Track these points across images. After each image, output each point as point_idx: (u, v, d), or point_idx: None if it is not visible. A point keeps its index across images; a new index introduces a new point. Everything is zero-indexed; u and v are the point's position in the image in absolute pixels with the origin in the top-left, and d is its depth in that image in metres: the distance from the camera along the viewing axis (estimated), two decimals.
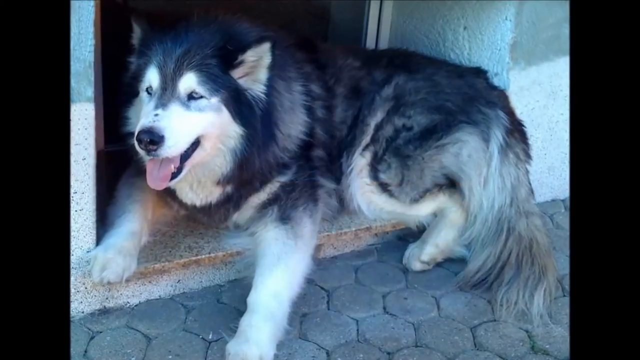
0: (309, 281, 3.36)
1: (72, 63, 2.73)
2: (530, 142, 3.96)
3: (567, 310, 3.40)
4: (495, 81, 4.11)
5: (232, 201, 3.34)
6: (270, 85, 3.10)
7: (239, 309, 3.21)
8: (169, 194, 3.33)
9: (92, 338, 3.05)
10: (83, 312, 3.16)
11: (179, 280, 3.40)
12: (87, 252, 3.05)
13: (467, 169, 3.64)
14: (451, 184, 3.70)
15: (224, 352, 2.91)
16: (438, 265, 3.77)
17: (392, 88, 3.78)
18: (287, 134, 3.29)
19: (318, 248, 3.64)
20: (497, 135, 3.69)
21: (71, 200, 2.91)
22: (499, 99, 3.93)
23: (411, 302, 3.47)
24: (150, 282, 3.31)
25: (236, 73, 3.01)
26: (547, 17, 4.14)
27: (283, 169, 3.35)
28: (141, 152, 2.87)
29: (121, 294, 3.25)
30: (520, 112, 4.11)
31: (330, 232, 3.69)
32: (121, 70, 3.24)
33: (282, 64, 3.25)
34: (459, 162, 3.65)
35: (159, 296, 3.36)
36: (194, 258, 3.32)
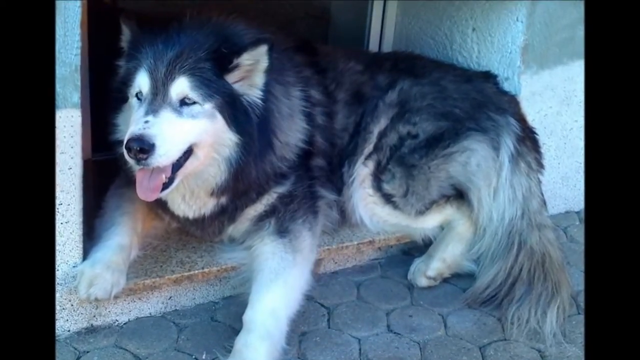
0: (309, 298, 3.36)
1: (57, 67, 2.73)
2: (542, 150, 3.96)
3: (582, 329, 3.40)
4: (506, 86, 4.12)
5: (227, 213, 3.34)
6: (267, 91, 3.10)
7: (234, 328, 3.20)
8: (160, 206, 3.33)
9: (78, 358, 3.04)
10: (69, 331, 3.15)
11: (170, 297, 3.39)
12: (74, 267, 3.05)
13: (475, 179, 3.64)
14: (459, 195, 3.71)
15: None
16: (445, 281, 3.76)
17: (396, 93, 3.78)
18: (285, 142, 3.29)
19: (318, 263, 3.64)
20: (508, 144, 3.69)
21: (56, 213, 2.91)
22: (509, 105, 3.93)
23: (416, 320, 3.46)
24: (140, 298, 3.30)
25: (231, 77, 3.02)
26: (560, 18, 4.15)
27: (281, 179, 3.35)
28: (130, 161, 2.87)
29: (109, 312, 3.24)
30: (532, 118, 4.11)
31: (331, 246, 3.68)
32: (109, 74, 3.24)
33: (279, 67, 3.26)
34: (467, 171, 3.65)
35: (150, 314, 3.35)
36: (186, 273, 3.31)
